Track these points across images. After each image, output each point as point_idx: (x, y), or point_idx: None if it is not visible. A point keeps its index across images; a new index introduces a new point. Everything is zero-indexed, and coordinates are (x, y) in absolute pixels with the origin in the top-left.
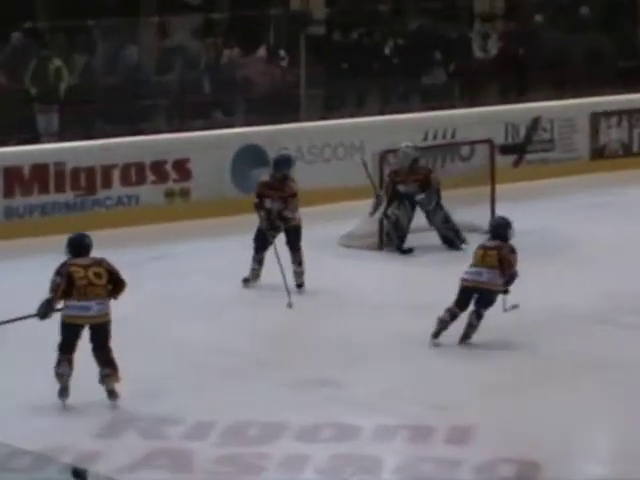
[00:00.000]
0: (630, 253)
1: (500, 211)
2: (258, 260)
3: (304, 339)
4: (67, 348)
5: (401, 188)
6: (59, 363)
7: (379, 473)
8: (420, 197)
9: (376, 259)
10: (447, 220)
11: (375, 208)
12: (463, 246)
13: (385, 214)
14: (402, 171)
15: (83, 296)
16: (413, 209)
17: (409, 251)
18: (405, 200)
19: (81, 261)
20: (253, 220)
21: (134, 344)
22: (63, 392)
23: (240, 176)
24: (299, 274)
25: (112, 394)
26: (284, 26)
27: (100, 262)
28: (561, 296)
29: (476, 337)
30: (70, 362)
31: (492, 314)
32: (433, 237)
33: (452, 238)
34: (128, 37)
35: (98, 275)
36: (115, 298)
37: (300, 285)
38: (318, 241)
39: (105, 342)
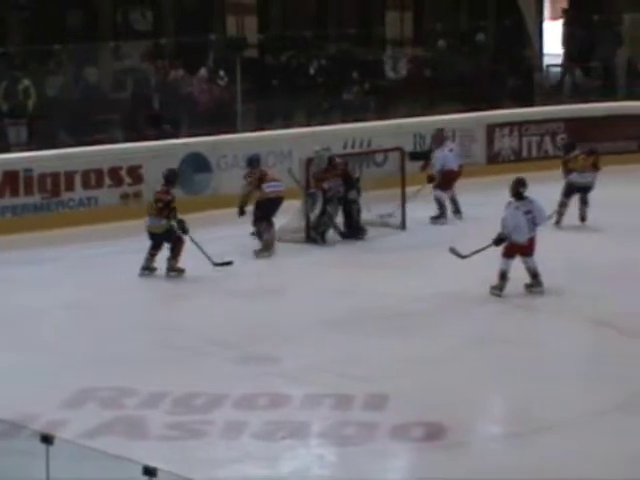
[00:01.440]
0: None
1: (410, 209)
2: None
3: (245, 321)
4: (151, 247)
5: (326, 185)
6: (146, 255)
7: (307, 436)
8: (352, 195)
9: (304, 250)
10: (359, 213)
11: (312, 205)
12: (364, 237)
13: (323, 211)
14: (322, 170)
15: (147, 214)
16: (339, 205)
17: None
18: (334, 198)
19: (159, 188)
20: (197, 219)
21: (99, 324)
22: (144, 269)
23: (186, 180)
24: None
25: (171, 269)
26: (222, 50)
27: (165, 191)
28: (461, 283)
29: (389, 319)
30: (152, 255)
31: (403, 299)
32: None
33: (356, 230)
34: (88, 60)
35: (158, 200)
36: (167, 218)
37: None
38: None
39: (163, 245)
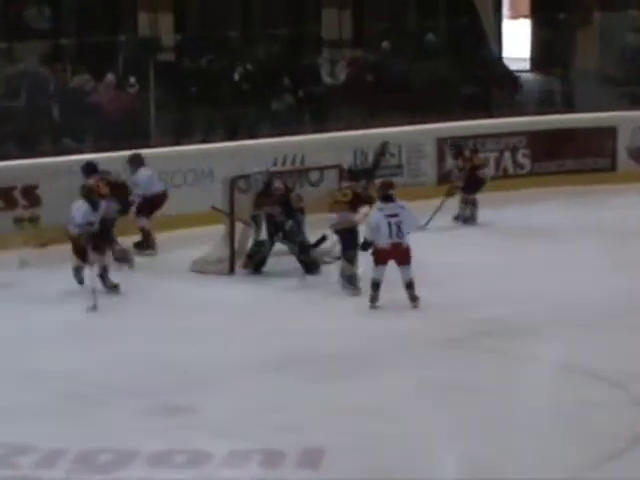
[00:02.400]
0: (477, 277)
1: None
2: None
3: (157, 366)
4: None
5: (266, 210)
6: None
7: None
8: (289, 225)
9: (228, 284)
10: (304, 246)
11: (257, 230)
12: (312, 273)
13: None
14: (260, 194)
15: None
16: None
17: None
18: (270, 225)
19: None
20: None
21: None
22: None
23: None
24: None
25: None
26: (133, 52)
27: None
28: (408, 321)
29: (327, 362)
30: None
31: (344, 340)
32: (288, 261)
33: (308, 263)
34: None
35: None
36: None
37: None
38: (170, 267)
39: None
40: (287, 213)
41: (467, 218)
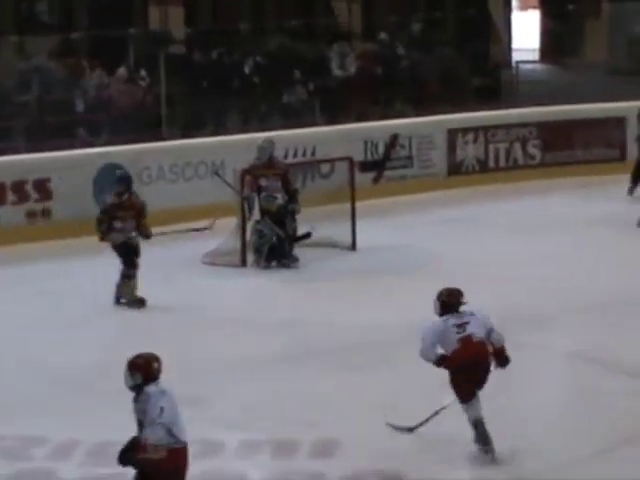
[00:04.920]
0: (488, 268)
1: (360, 227)
2: None
3: (167, 357)
4: None
5: (263, 182)
6: None
7: None
8: (292, 206)
9: (239, 276)
10: (294, 234)
11: (249, 212)
12: (291, 265)
13: (261, 229)
14: (262, 165)
15: None
16: (278, 221)
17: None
18: (265, 216)
19: None
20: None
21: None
22: None
23: (102, 195)
24: None
25: None
26: (144, 46)
27: None
28: (423, 312)
29: (339, 353)
30: None
31: (356, 331)
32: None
33: (286, 254)
34: None
35: None
36: None
37: None
38: (182, 259)
39: None
40: (286, 191)
41: None
